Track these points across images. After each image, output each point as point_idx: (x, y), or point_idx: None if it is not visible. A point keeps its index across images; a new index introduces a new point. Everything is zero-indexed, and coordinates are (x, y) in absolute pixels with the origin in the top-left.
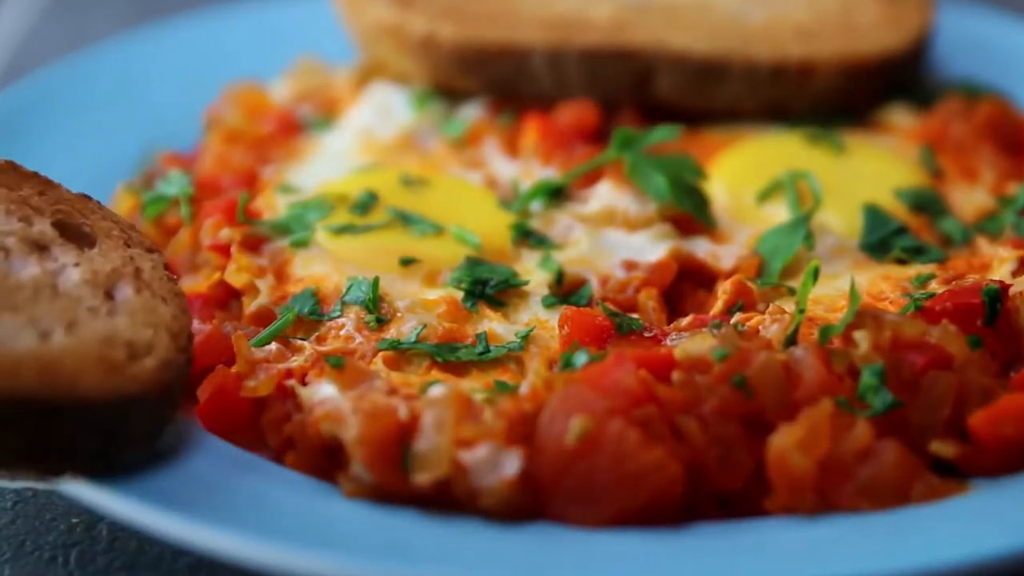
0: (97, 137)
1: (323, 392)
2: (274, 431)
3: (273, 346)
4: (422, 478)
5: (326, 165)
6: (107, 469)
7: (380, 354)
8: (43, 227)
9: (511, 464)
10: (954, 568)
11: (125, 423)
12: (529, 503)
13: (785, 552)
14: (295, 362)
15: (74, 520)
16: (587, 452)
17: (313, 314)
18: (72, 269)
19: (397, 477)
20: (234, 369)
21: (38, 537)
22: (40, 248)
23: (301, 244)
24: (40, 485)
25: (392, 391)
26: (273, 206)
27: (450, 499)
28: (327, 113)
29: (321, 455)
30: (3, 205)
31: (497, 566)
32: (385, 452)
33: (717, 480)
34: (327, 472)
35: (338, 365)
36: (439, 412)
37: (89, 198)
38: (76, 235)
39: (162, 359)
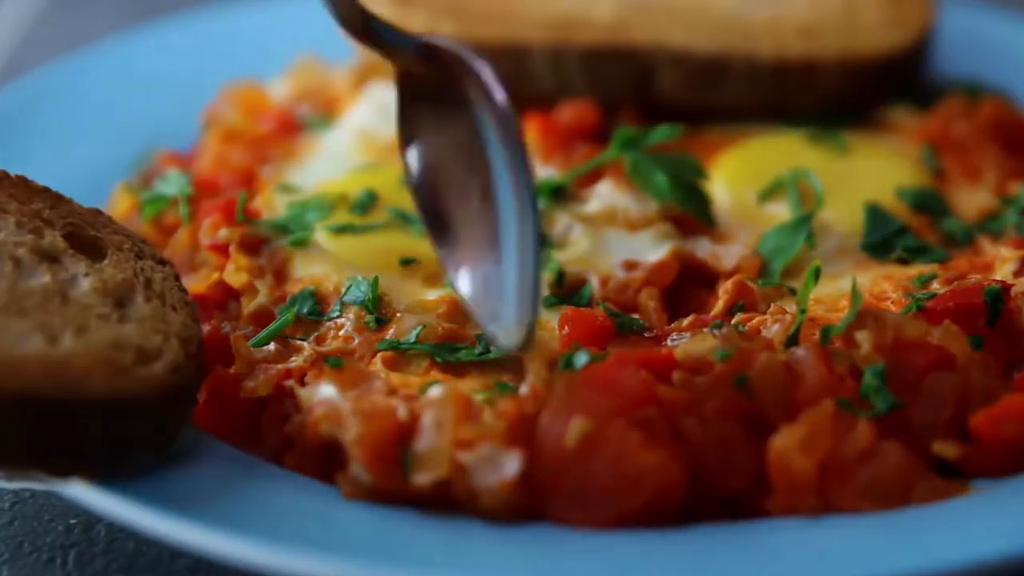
0: (95, 136)
1: (322, 393)
2: (273, 432)
3: (272, 346)
4: (422, 479)
5: (325, 165)
6: (116, 471)
7: (379, 355)
8: (54, 239)
9: (511, 465)
10: (956, 569)
11: (133, 425)
12: (529, 504)
13: (787, 554)
14: (294, 362)
15: (72, 521)
16: (587, 453)
17: (312, 314)
18: (82, 278)
19: (396, 478)
20: (233, 370)
21: (36, 538)
22: (51, 259)
23: (300, 244)
24: (49, 486)
25: (391, 392)
26: (272, 206)
27: (449, 500)
28: (326, 112)
29: (320, 456)
30: (14, 218)
31: (498, 568)
32: (384, 453)
33: (719, 481)
34: (326, 473)
35: (337, 365)
36: (438, 412)
37: (100, 212)
38: (87, 247)
39: (171, 363)
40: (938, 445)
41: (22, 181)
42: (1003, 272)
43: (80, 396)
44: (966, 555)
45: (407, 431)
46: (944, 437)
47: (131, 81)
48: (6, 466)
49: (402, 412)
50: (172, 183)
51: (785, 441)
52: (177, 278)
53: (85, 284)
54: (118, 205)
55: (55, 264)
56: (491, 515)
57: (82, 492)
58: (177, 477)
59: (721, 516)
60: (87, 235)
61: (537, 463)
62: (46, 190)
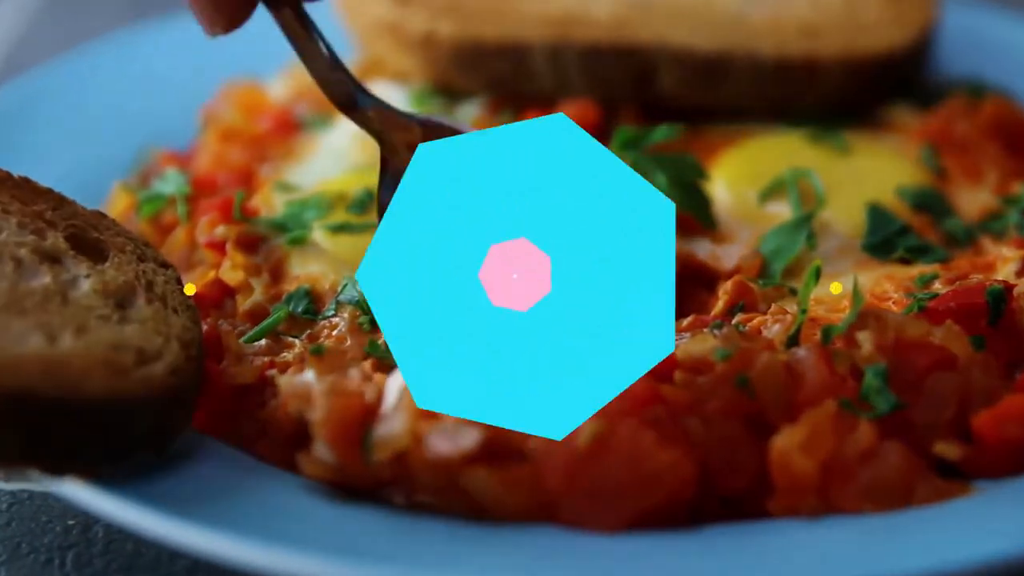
0: (93, 135)
1: (301, 379)
2: (249, 419)
3: (263, 342)
4: (382, 453)
5: (324, 164)
6: (115, 471)
7: (369, 359)
8: (56, 240)
9: (469, 436)
10: (957, 570)
11: (132, 425)
12: (539, 510)
13: (788, 554)
14: (283, 358)
15: (70, 522)
16: (600, 454)
17: (307, 312)
18: (83, 280)
19: (358, 456)
20: (222, 365)
21: (34, 539)
22: (52, 260)
23: (298, 242)
24: (46, 486)
25: (367, 379)
26: (270, 204)
27: (407, 482)
28: (325, 111)
29: (291, 442)
30: (16, 218)
31: (499, 570)
32: (349, 431)
33: (721, 481)
34: (294, 462)
35: (318, 352)
36: (404, 389)
37: (104, 214)
38: (89, 249)
39: (171, 364)
40: (940, 446)
41: (25, 182)
42: (1005, 272)
43: (79, 396)
44: (968, 556)
45: (373, 412)
46: (946, 438)
47: (130, 80)
48: (4, 465)
49: (370, 394)
50: (170, 182)
51: (786, 441)
52: (179, 281)
53: (86, 285)
54: (116, 204)
55: (56, 265)
56: (499, 517)
57: (80, 493)
58: (176, 478)
59: (722, 516)
60: (89, 237)
61: (549, 468)
62: (49, 191)
